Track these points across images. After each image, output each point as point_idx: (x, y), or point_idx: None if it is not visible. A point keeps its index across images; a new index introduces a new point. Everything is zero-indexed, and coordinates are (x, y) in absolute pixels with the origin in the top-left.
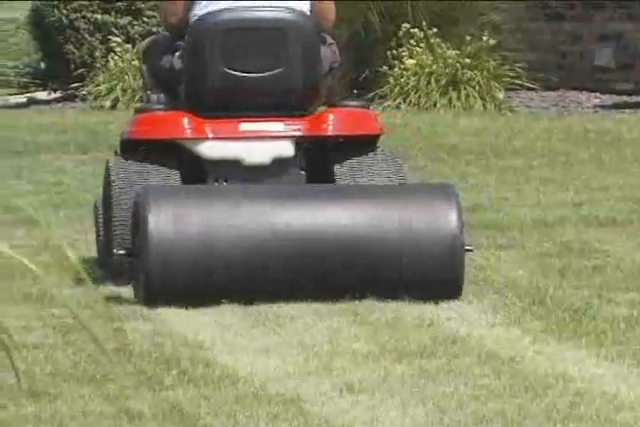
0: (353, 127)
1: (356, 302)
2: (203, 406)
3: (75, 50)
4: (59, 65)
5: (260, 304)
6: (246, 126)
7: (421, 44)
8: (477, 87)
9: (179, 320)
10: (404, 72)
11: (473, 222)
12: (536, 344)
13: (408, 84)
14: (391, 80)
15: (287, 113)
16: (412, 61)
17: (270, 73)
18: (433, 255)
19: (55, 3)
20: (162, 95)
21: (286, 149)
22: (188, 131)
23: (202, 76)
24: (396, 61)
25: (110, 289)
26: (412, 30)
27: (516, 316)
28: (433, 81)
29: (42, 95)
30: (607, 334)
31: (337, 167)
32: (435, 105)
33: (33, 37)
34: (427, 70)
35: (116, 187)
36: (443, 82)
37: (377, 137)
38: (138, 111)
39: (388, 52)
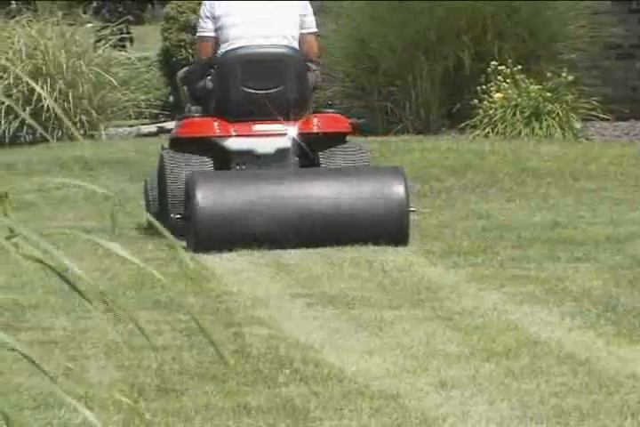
0: (330, 126)
1: (452, 308)
2: (312, 401)
3: None
4: None
5: (363, 310)
6: (258, 127)
7: (507, 80)
8: (557, 118)
9: (292, 325)
10: (492, 105)
11: (553, 238)
12: (609, 346)
13: (496, 115)
14: (480, 112)
15: (286, 118)
16: (499, 95)
17: (274, 90)
18: (386, 214)
19: (182, 43)
20: (199, 107)
21: (285, 143)
22: (218, 131)
23: (227, 93)
24: (485, 95)
25: (231, 298)
26: (499, 68)
27: (591, 321)
28: (518, 113)
29: (170, 125)
30: None
31: (320, 154)
32: (519, 134)
33: (163, 74)
34: (512, 103)
35: (169, 171)
36: (526, 113)
37: (347, 133)
38: (182, 118)
39: (478, 87)
